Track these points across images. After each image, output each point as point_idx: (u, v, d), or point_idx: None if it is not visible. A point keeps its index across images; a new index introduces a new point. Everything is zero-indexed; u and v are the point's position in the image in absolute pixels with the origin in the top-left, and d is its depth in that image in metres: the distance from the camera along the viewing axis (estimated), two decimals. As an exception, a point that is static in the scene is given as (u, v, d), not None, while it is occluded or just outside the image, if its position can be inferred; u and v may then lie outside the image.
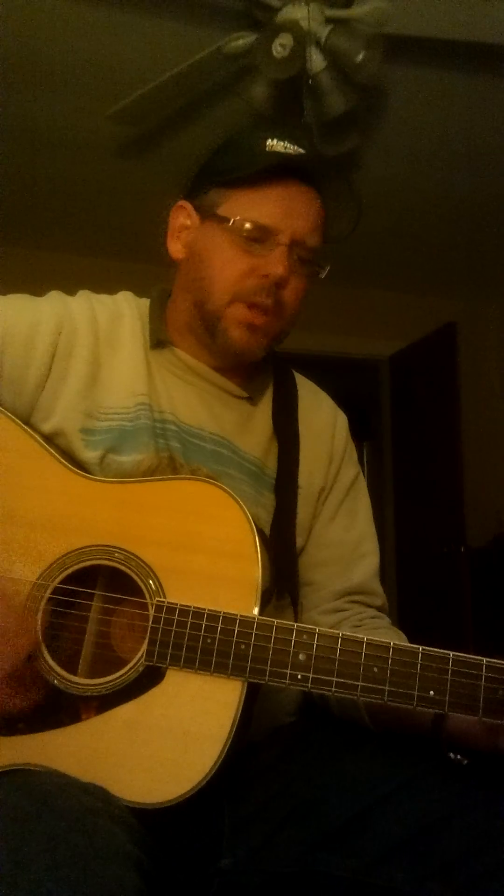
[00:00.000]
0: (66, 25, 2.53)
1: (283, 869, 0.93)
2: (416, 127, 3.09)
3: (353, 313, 4.57)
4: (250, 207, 1.03)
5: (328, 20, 2.37)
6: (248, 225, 1.03)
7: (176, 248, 1.12)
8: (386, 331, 4.64)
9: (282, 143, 1.05)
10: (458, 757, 0.89)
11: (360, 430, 5.41)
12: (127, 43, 2.60)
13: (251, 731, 0.99)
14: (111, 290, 1.17)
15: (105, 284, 1.19)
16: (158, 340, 1.11)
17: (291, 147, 1.05)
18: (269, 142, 1.05)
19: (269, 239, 1.04)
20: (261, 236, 1.03)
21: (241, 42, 2.43)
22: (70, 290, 1.15)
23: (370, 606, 1.13)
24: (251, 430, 1.13)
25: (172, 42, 2.56)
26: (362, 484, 1.20)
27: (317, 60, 2.41)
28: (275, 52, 2.29)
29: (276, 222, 1.03)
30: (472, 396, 4.36)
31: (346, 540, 1.14)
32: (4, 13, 2.43)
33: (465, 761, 0.89)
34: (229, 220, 1.04)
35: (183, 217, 1.11)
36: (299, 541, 1.12)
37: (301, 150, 1.05)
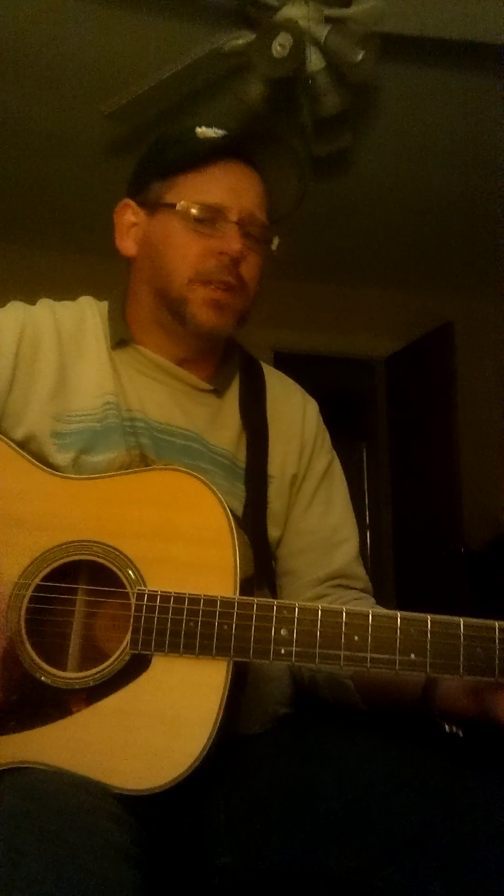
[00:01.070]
0: (62, 23, 2.53)
1: (281, 867, 0.92)
2: (412, 125, 3.11)
3: (351, 313, 4.59)
4: (195, 191, 1.06)
5: (326, 19, 2.39)
6: (195, 208, 1.05)
7: (127, 246, 1.14)
8: (383, 331, 4.67)
9: (212, 130, 1.08)
10: (454, 729, 0.90)
11: (358, 431, 5.44)
12: (123, 41, 2.61)
13: (246, 724, 1.00)
14: (102, 288, 1.19)
15: (96, 282, 1.21)
16: (120, 339, 1.12)
17: (221, 132, 1.09)
18: (198, 129, 1.08)
19: (218, 218, 1.06)
20: (210, 216, 1.05)
21: (239, 41, 2.44)
22: (62, 288, 1.17)
23: (353, 589, 1.14)
24: (220, 422, 1.14)
25: (169, 40, 2.57)
26: (337, 470, 1.21)
27: (315, 60, 2.43)
28: (274, 52, 2.30)
29: (222, 200, 1.06)
30: (470, 396, 4.37)
31: (323, 527, 1.15)
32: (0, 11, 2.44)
33: (461, 733, 0.90)
34: (178, 205, 1.06)
35: (129, 214, 1.14)
36: (276, 531, 1.12)
37: (226, 132, 1.09)
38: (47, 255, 4.03)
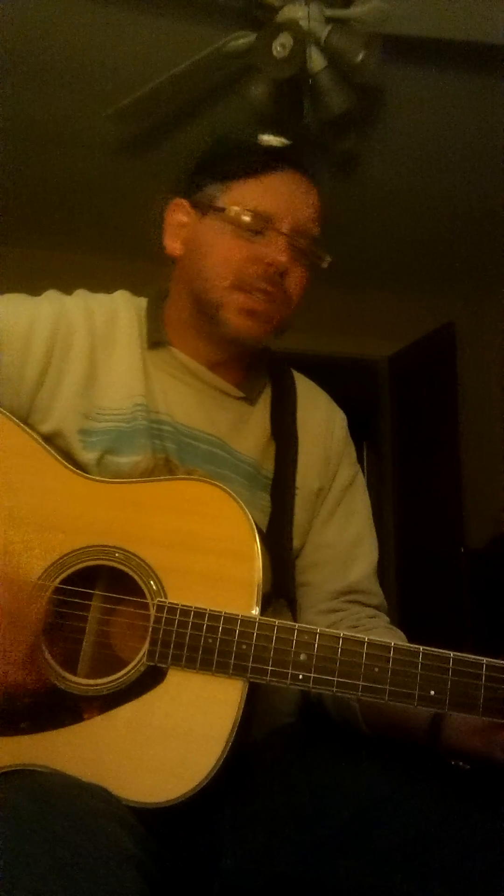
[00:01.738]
0: (67, 24, 2.52)
1: (284, 871, 0.93)
2: (415, 127, 3.09)
3: (353, 314, 4.56)
4: (250, 198, 1.04)
5: (328, 20, 2.38)
6: (247, 215, 1.04)
7: (174, 246, 1.12)
8: (385, 331, 4.64)
9: (275, 138, 1.07)
10: (461, 764, 0.90)
11: (360, 431, 5.41)
12: (127, 42, 2.61)
13: (252, 731, 1.00)
14: (110, 289, 1.17)
15: (104, 283, 1.19)
16: (156, 341, 1.11)
17: (283, 139, 1.07)
18: (262, 137, 1.07)
19: (269, 228, 1.04)
20: (261, 225, 1.04)
21: (241, 41, 2.43)
22: (69, 289, 1.15)
23: (367, 606, 1.13)
24: (247, 430, 1.13)
25: (172, 41, 2.56)
26: (360, 484, 1.20)
27: (317, 60, 2.42)
28: (275, 52, 2.29)
29: (275, 210, 1.04)
30: (472, 396, 4.36)
31: (343, 540, 1.14)
32: (4, 11, 2.43)
33: (468, 767, 0.89)
34: (230, 210, 1.04)
35: (181, 214, 1.12)
36: (297, 542, 1.12)
37: (290, 142, 1.07)
38: (53, 255, 3.99)
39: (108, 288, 1.18)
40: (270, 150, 1.06)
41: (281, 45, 2.29)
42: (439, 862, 0.85)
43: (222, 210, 1.05)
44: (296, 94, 2.56)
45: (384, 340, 4.68)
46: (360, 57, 2.35)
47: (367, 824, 0.90)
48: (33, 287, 1.14)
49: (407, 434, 4.63)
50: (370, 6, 2.33)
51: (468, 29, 2.39)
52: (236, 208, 1.04)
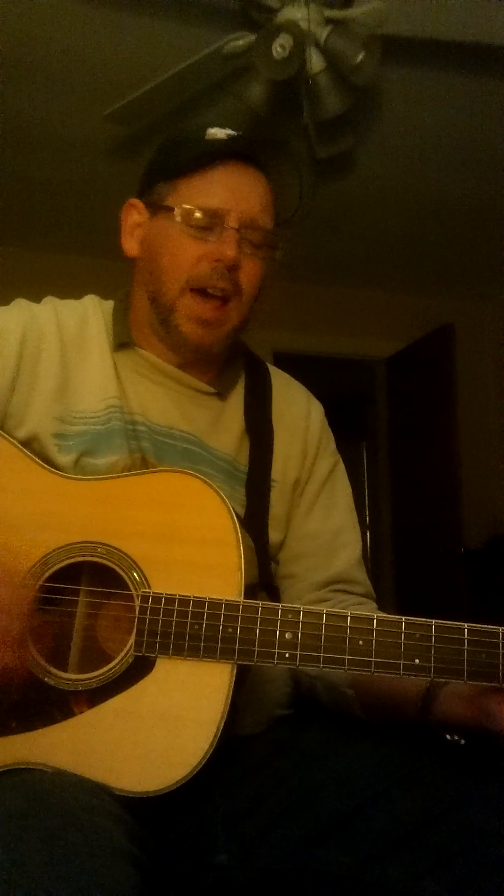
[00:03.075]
0: (64, 25, 2.53)
1: (278, 865, 0.93)
2: (413, 127, 3.11)
3: (351, 314, 4.60)
4: (196, 195, 1.04)
5: (327, 21, 2.38)
6: (196, 212, 1.04)
7: (130, 246, 1.13)
8: (383, 332, 4.67)
9: (223, 131, 1.07)
10: (455, 738, 0.90)
11: (358, 431, 5.45)
12: (124, 42, 2.61)
13: (244, 724, 1.00)
14: (105, 289, 1.18)
15: (99, 284, 1.20)
16: (121, 342, 1.11)
17: (231, 133, 1.07)
18: (209, 130, 1.06)
19: (217, 224, 1.04)
20: (209, 222, 1.04)
21: (240, 42, 2.44)
22: (65, 290, 1.16)
23: (353, 594, 1.13)
24: (222, 426, 1.13)
25: (170, 42, 2.56)
26: (341, 473, 1.20)
27: (316, 61, 2.43)
28: (274, 53, 2.30)
29: (222, 205, 1.04)
30: (469, 397, 4.38)
31: (325, 531, 1.14)
32: (2, 12, 2.43)
33: (462, 741, 0.90)
34: (177, 209, 1.04)
35: (135, 214, 1.12)
36: (278, 535, 1.12)
37: (235, 133, 1.07)
38: (49, 256, 4.03)
39: (104, 288, 1.19)
40: (214, 143, 1.05)
41: (280, 46, 2.30)
42: (433, 856, 0.86)
43: (170, 209, 1.05)
44: (294, 95, 2.56)
45: (383, 341, 4.71)
46: (360, 58, 2.36)
47: (361, 818, 0.90)
48: (29, 288, 1.15)
49: (405, 435, 4.65)
50: (370, 7, 2.34)
51: (468, 29, 2.40)
52: (183, 206, 1.04)
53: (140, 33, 2.57)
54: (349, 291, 4.56)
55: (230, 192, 1.04)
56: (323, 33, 2.38)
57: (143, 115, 2.79)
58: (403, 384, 4.67)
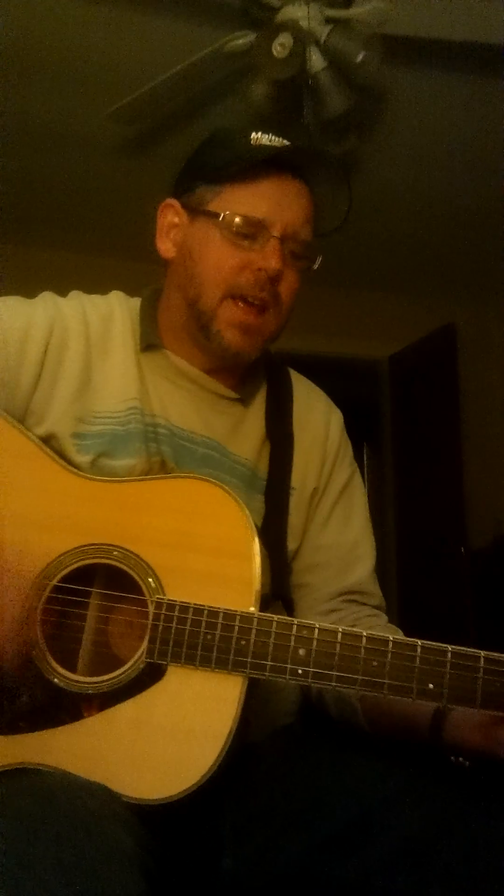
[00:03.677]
0: (67, 23, 2.53)
1: (285, 871, 0.92)
2: (416, 128, 3.09)
3: (353, 314, 4.56)
4: (241, 202, 1.03)
5: (328, 20, 2.38)
6: (238, 219, 1.03)
7: (166, 247, 1.11)
8: (386, 332, 4.64)
9: (266, 136, 1.05)
10: (461, 760, 0.90)
11: (361, 432, 5.42)
12: (127, 41, 2.61)
13: (251, 732, 1.00)
14: (109, 289, 1.17)
15: (103, 283, 1.19)
16: (149, 344, 1.11)
17: (277, 140, 1.06)
18: (253, 135, 1.05)
19: (260, 233, 1.03)
20: (252, 231, 1.03)
21: (241, 41, 2.43)
22: (68, 289, 1.14)
23: (366, 605, 1.13)
24: (243, 432, 1.12)
25: (172, 41, 2.56)
26: (358, 484, 1.19)
27: (317, 60, 2.42)
28: (275, 52, 2.30)
29: (267, 215, 1.03)
30: (473, 397, 4.36)
31: (341, 543, 1.14)
32: (4, 11, 2.42)
33: (468, 764, 0.89)
34: (220, 216, 1.03)
35: (171, 215, 1.11)
36: (294, 544, 1.11)
37: (286, 142, 1.06)
38: (52, 254, 3.99)
39: (107, 288, 1.17)
40: (263, 151, 1.04)
41: (281, 45, 2.29)
42: (441, 864, 0.85)
43: (214, 215, 1.04)
44: (295, 95, 2.55)
45: (385, 341, 4.68)
46: (360, 57, 2.36)
47: (369, 825, 0.89)
48: (32, 286, 1.14)
49: (408, 435, 4.63)
50: (370, 6, 2.33)
51: (468, 29, 2.39)
52: (227, 213, 1.03)
53: (141, 31, 2.57)
54: (351, 292, 4.52)
55: (276, 202, 1.04)
56: (323, 32, 2.38)
57: (146, 113, 2.79)
58: (406, 384, 4.65)
